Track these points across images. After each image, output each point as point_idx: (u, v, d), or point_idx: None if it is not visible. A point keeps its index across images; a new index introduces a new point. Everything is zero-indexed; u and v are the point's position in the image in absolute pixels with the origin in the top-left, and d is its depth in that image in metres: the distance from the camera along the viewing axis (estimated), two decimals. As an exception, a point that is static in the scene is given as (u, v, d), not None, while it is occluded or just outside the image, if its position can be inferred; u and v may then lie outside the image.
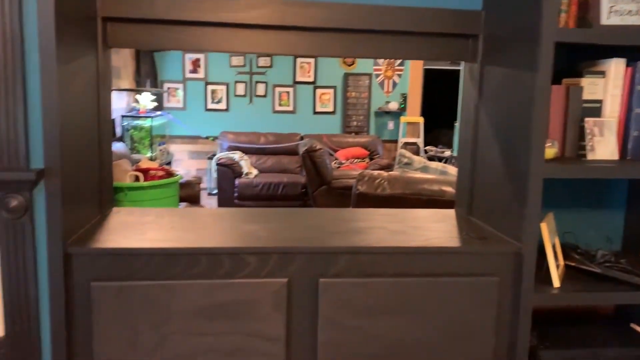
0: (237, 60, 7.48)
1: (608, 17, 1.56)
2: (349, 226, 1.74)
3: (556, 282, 1.60)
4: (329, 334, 1.50)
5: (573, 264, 1.72)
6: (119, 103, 5.98)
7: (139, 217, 1.76)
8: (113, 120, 5.40)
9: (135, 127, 5.85)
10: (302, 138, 7.10)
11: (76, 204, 1.50)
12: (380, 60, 7.66)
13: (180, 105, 7.50)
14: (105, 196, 1.76)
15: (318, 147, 5.54)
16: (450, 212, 1.99)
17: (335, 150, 7.02)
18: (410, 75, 7.72)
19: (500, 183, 1.67)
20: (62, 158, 1.36)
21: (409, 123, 7.68)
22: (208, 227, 1.70)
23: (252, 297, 1.47)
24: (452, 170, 4.20)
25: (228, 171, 6.42)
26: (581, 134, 1.64)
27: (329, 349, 1.50)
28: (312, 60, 7.58)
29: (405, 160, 4.33)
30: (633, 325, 1.86)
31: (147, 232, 1.58)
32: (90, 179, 1.64)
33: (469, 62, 1.87)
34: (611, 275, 1.63)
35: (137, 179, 3.75)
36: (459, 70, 7.15)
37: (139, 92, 6.28)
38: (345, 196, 5.12)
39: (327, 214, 1.94)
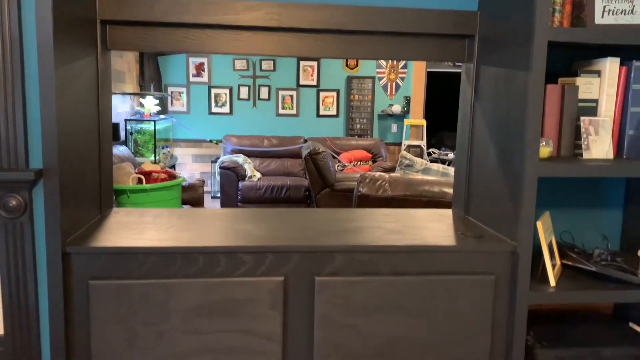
0: (240, 64, 7.52)
1: (602, 16, 1.57)
2: (345, 226, 1.75)
3: (552, 281, 1.61)
4: (325, 332, 1.51)
5: (570, 263, 1.73)
6: (123, 107, 6.02)
7: (137, 217, 1.77)
8: (117, 124, 5.44)
9: (139, 131, 5.89)
10: (305, 141, 7.11)
11: (75, 204, 1.52)
12: (383, 63, 7.68)
13: (184, 109, 7.54)
14: (104, 197, 1.78)
15: (321, 150, 5.56)
16: (448, 212, 2.00)
17: (339, 153, 7.03)
18: (414, 78, 7.73)
19: (496, 182, 1.68)
20: (61, 158, 1.38)
21: (412, 126, 7.69)
22: (205, 227, 1.71)
23: (249, 295, 1.48)
24: (453, 171, 4.20)
25: (231, 174, 6.44)
26: (577, 133, 1.65)
27: (324, 347, 1.51)
28: (315, 63, 7.60)
29: (407, 162, 4.34)
30: (632, 325, 1.85)
31: (144, 232, 1.59)
32: (89, 180, 1.65)
33: (465, 63, 1.88)
34: (607, 274, 1.64)
35: (139, 181, 3.78)
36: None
37: (142, 96, 6.32)
38: (348, 199, 5.13)
39: (324, 214, 1.95)
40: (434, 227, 1.77)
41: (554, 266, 1.65)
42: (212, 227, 1.71)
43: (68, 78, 1.45)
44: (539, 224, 1.60)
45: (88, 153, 1.64)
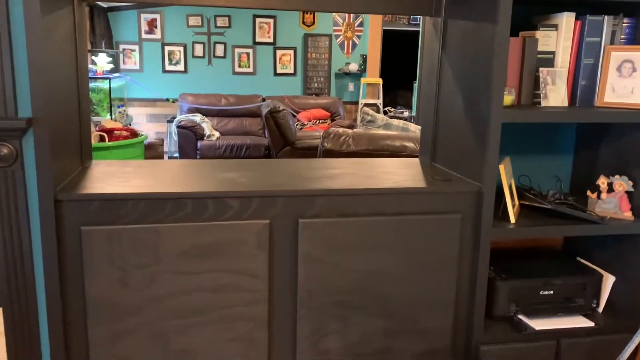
0: (194, 20, 7.35)
1: (561, -27, 1.68)
2: (324, 173, 1.85)
3: (512, 219, 1.77)
4: (308, 269, 1.62)
5: (527, 202, 1.89)
6: (74, 64, 5.82)
7: (119, 167, 1.81)
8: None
9: (93, 90, 5.73)
10: (264, 99, 7.11)
11: (62, 154, 1.55)
12: (340, 21, 7.68)
13: (137, 67, 7.35)
14: (85, 148, 1.80)
15: (281, 108, 5.59)
16: (415, 160, 2.13)
17: (297, 112, 7.07)
18: (370, 36, 7.78)
19: (462, 130, 1.81)
20: (48, 107, 1.40)
21: (368, 84, 7.79)
22: (189, 175, 1.77)
23: (236, 237, 1.56)
24: (413, 127, 4.35)
25: (189, 133, 6.40)
26: (536, 83, 1.79)
27: (307, 283, 1.63)
28: (271, 20, 7.53)
29: (369, 117, 4.45)
30: (579, 259, 2.06)
31: (130, 180, 1.64)
32: (72, 131, 1.67)
33: (433, 17, 1.97)
34: (561, 211, 1.81)
35: (102, 139, 3.74)
36: (416, 32, 7.26)
37: (94, 53, 6.12)
38: (309, 157, 5.22)
39: (300, 163, 2.04)
40: (405, 173, 1.89)
41: (513, 206, 1.81)
42: (197, 175, 1.77)
43: (50, 28, 1.45)
44: (501, 167, 1.74)
45: (69, 104, 1.65)
